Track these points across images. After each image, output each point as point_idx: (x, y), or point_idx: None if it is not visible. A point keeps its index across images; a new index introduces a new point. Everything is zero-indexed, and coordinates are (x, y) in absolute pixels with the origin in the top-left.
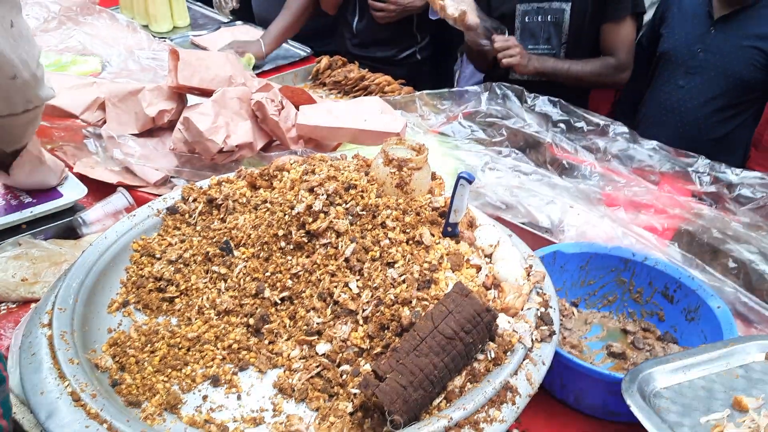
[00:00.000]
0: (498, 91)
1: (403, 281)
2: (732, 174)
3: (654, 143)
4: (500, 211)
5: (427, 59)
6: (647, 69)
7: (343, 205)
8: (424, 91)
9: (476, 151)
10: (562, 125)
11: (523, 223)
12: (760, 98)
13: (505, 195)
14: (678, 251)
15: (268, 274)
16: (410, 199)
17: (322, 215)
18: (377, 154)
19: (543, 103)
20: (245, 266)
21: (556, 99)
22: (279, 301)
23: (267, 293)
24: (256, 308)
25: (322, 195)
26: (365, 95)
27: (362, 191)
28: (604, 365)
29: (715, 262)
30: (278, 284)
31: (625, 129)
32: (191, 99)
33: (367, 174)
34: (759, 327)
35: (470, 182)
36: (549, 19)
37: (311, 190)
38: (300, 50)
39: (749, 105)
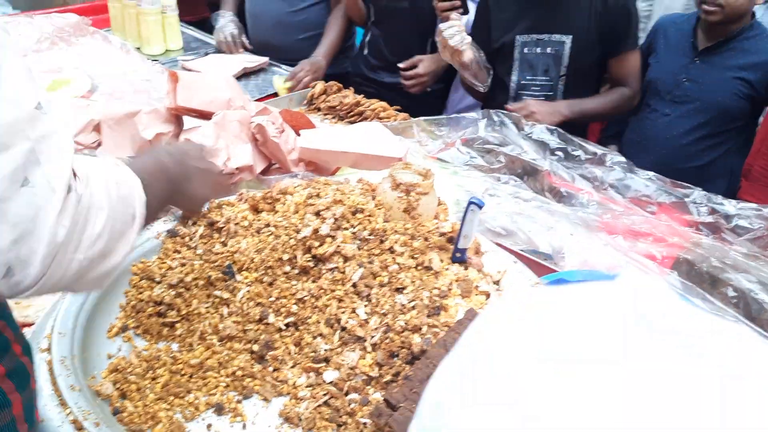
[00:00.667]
0: (495, 118)
1: (413, 307)
2: (729, 205)
3: (650, 173)
4: (500, 237)
5: (436, 92)
6: None
7: (351, 229)
8: (421, 118)
9: (476, 177)
10: (559, 153)
11: (522, 250)
12: (744, 128)
13: (506, 221)
14: (678, 280)
15: (272, 299)
16: (418, 224)
17: (329, 239)
18: (384, 179)
19: (540, 131)
20: (248, 291)
21: (554, 127)
22: (284, 327)
23: (271, 319)
24: (260, 334)
25: (330, 219)
26: (361, 121)
27: (369, 216)
28: None
29: (715, 291)
30: (283, 309)
31: (622, 158)
32: (188, 122)
33: (373, 198)
34: None
35: (480, 208)
36: (548, 51)
37: (318, 214)
38: None
39: (733, 134)
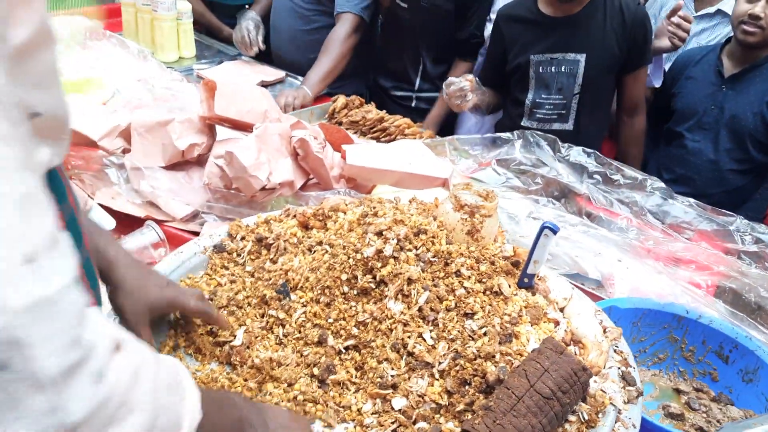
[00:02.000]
0: (531, 139)
1: (484, 334)
2: None
3: (691, 200)
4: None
5: (421, 107)
6: (656, 127)
7: (414, 251)
8: (455, 136)
9: (516, 199)
10: (597, 177)
11: (564, 275)
12: None
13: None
14: (727, 308)
15: (330, 320)
16: (482, 248)
17: (392, 260)
18: (445, 199)
19: (577, 153)
20: (306, 311)
21: (591, 150)
22: (343, 350)
23: (331, 341)
24: (320, 357)
25: (393, 239)
26: (384, 137)
27: (433, 237)
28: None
29: (763, 322)
30: (342, 332)
31: (662, 184)
32: (221, 132)
33: (434, 219)
34: None
35: (555, 233)
36: (563, 70)
37: (380, 234)
38: None
39: (762, 160)
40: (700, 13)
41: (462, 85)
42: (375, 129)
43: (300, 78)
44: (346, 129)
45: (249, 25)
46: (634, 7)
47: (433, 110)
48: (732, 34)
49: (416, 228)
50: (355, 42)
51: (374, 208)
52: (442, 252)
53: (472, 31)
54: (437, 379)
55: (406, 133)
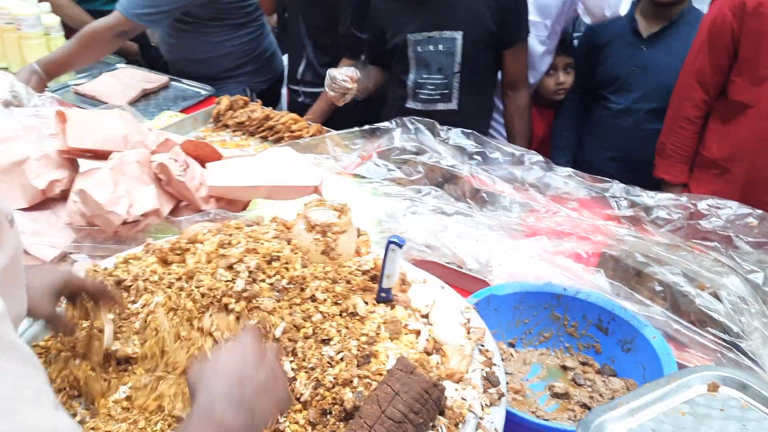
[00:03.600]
0: (410, 126)
1: (342, 359)
2: (648, 197)
3: (569, 170)
4: (425, 254)
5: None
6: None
7: (267, 280)
8: (334, 132)
9: (396, 194)
10: (477, 157)
11: (448, 263)
12: None
13: (429, 239)
14: (605, 279)
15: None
16: (338, 266)
17: (245, 294)
18: (298, 220)
19: (456, 135)
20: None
21: (470, 131)
22: None
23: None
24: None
25: (244, 272)
26: (272, 135)
27: (286, 263)
28: (549, 407)
29: (642, 287)
30: None
31: (540, 157)
32: (84, 164)
33: (289, 242)
34: (691, 350)
35: (401, 247)
36: (441, 48)
37: (230, 267)
38: (199, 89)
39: None
40: None
41: (344, 83)
42: (262, 128)
43: (184, 81)
44: (234, 131)
45: None
46: None
47: (319, 103)
48: None
49: (269, 255)
50: (115, 42)
51: (230, 235)
52: (297, 277)
53: (351, 29)
54: (300, 411)
55: (293, 129)
